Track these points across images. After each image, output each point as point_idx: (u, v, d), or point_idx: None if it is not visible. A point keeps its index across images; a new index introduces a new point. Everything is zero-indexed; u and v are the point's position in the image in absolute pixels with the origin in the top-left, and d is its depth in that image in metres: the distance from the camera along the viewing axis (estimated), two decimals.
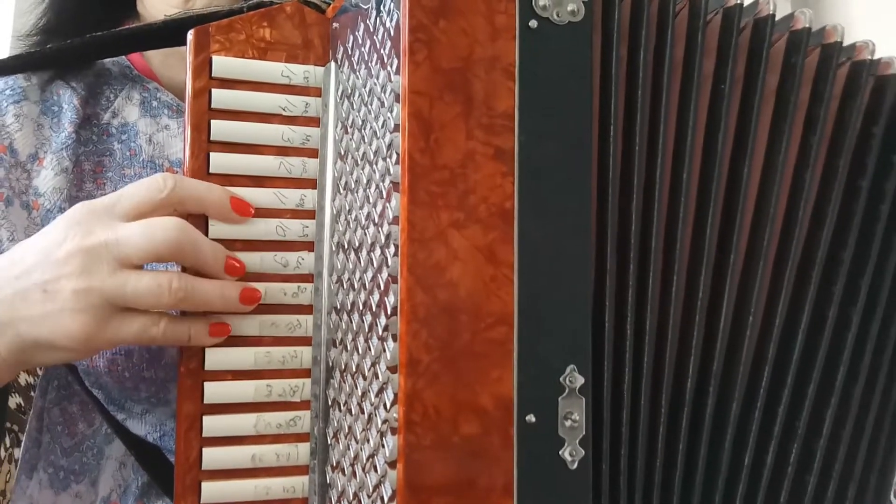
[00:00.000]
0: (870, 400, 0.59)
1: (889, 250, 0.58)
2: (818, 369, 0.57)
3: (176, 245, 0.51)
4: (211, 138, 0.55)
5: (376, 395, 0.48)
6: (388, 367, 0.47)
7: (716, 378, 0.54)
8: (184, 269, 0.54)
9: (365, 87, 0.52)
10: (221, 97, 0.56)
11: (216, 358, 0.55)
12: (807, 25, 0.56)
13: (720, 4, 0.56)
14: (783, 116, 0.56)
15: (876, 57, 0.59)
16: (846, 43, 0.58)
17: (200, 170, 0.55)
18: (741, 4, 0.55)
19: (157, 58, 0.73)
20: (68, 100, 0.70)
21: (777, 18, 0.56)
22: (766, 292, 0.56)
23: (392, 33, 0.48)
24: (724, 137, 0.55)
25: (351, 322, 0.52)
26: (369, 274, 0.50)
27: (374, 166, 0.50)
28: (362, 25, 0.53)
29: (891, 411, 0.60)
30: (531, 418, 0.46)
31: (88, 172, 0.69)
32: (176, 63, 0.73)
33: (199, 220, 0.54)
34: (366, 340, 0.50)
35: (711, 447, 0.55)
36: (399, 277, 0.46)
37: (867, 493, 0.60)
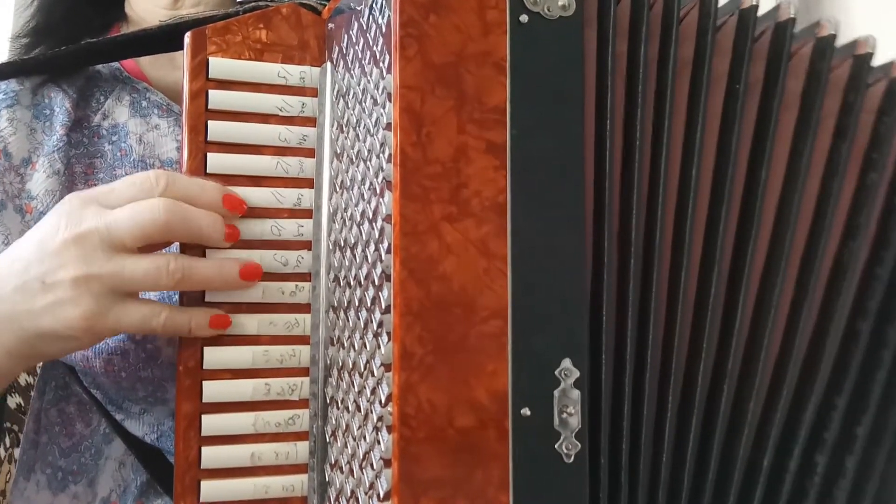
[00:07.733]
0: None
1: None
2: (851, 381, 0.55)
3: (164, 224, 0.51)
4: (208, 139, 0.56)
5: (371, 392, 0.48)
6: (382, 364, 0.47)
7: (731, 378, 0.54)
8: (183, 249, 0.54)
9: (359, 86, 0.53)
10: (218, 98, 0.56)
11: (215, 357, 0.55)
12: (832, 32, 0.56)
13: (735, 6, 0.56)
14: (807, 123, 0.55)
15: None
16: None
17: (198, 170, 0.55)
18: (756, 6, 0.55)
19: (145, 58, 0.74)
20: (59, 103, 0.70)
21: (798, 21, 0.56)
22: (789, 298, 0.55)
23: (384, 30, 0.49)
24: (739, 138, 0.54)
25: (347, 320, 0.52)
26: (364, 271, 0.50)
27: (368, 163, 0.50)
28: (356, 24, 0.53)
29: None
30: (526, 412, 0.46)
31: (80, 174, 0.69)
32: (164, 63, 0.73)
33: None
34: (361, 338, 0.50)
35: (725, 448, 0.54)
36: (392, 271, 0.46)
37: None
